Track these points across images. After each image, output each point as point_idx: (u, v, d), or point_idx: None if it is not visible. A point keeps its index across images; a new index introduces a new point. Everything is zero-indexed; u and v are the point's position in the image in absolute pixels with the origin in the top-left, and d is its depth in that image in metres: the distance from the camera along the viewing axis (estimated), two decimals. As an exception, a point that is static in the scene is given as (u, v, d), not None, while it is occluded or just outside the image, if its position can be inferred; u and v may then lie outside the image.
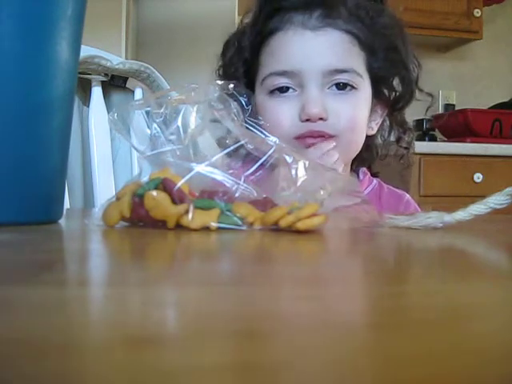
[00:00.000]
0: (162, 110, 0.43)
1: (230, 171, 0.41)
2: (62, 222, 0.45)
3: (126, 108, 0.45)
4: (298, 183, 0.42)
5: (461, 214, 0.41)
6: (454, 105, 2.82)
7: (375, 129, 0.83)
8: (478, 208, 0.41)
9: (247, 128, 0.45)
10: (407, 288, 0.21)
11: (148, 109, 0.44)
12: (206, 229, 0.37)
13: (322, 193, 0.41)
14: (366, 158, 0.88)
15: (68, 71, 0.42)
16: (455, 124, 2.50)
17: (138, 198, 0.38)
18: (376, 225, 0.43)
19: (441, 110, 2.80)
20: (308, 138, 0.74)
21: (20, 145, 0.40)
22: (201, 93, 0.44)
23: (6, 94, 0.39)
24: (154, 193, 0.38)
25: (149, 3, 2.36)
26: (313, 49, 0.75)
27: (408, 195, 0.89)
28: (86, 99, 1.00)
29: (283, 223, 0.37)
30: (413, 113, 0.88)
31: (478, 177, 2.33)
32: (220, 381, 0.11)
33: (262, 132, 0.45)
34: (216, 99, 0.44)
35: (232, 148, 0.44)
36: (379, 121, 0.84)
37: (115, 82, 1.02)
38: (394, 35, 0.79)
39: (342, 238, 0.40)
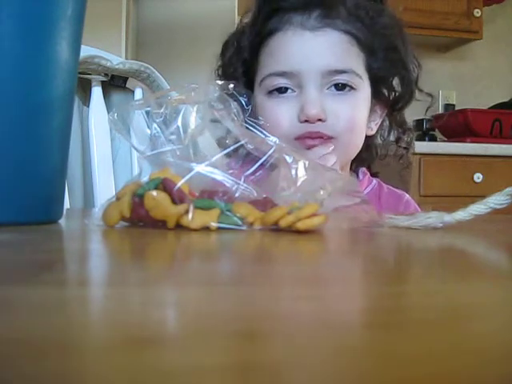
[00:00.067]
0: (161, 110, 0.43)
1: (230, 171, 0.41)
2: (62, 222, 0.45)
3: (126, 108, 0.45)
4: (298, 183, 0.42)
5: (461, 214, 0.41)
6: (453, 105, 2.82)
7: (374, 129, 0.83)
8: (478, 208, 0.41)
9: (247, 128, 0.45)
10: (407, 288, 0.21)
11: (148, 109, 0.44)
12: (206, 229, 0.37)
13: (321, 193, 0.41)
14: (366, 158, 0.88)
15: (68, 71, 0.42)
16: (455, 124, 2.50)
17: (138, 197, 0.38)
18: (376, 225, 0.43)
19: (441, 110, 2.80)
20: (307, 139, 0.74)
21: (20, 145, 0.40)
22: (201, 93, 0.44)
23: (6, 94, 0.39)
24: (154, 193, 0.38)
25: (149, 3, 2.36)
26: (312, 49, 0.75)
27: (408, 195, 0.89)
28: (86, 99, 1.00)
29: (283, 223, 0.37)
30: (413, 113, 0.88)
31: (478, 177, 2.33)
32: (220, 381, 0.11)
33: (261, 132, 0.45)
34: (216, 99, 0.44)
35: (232, 148, 0.44)
36: (378, 121, 0.84)
37: (115, 82, 1.02)
38: (393, 35, 0.79)
39: (341, 238, 0.40)
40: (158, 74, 1.01)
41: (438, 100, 2.77)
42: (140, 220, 0.39)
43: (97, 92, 0.98)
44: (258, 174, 0.44)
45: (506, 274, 0.25)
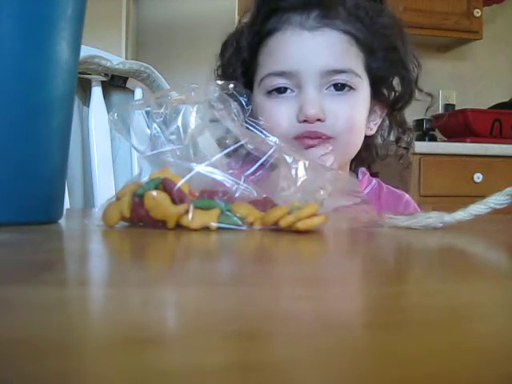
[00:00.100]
0: (162, 110, 0.43)
1: (230, 171, 0.41)
2: (62, 222, 0.45)
3: (126, 108, 0.45)
4: (298, 183, 0.42)
5: (461, 214, 0.41)
6: (454, 105, 2.82)
7: (374, 129, 0.83)
8: (478, 208, 0.41)
9: (247, 128, 0.45)
10: (407, 288, 0.21)
11: (148, 109, 0.44)
12: (206, 229, 0.37)
13: (321, 193, 0.41)
14: (366, 158, 0.88)
15: (68, 71, 0.42)
16: (455, 124, 2.50)
17: (138, 197, 0.38)
18: (376, 225, 0.43)
19: (441, 110, 2.80)
20: (305, 138, 0.74)
21: (20, 145, 0.40)
22: (201, 93, 0.44)
23: (6, 94, 0.39)
24: (154, 193, 0.38)
25: (149, 3, 2.36)
26: (310, 49, 0.75)
27: (407, 195, 0.89)
28: (86, 99, 1.00)
29: (283, 223, 0.37)
30: (413, 113, 0.88)
31: (477, 177, 2.33)
32: (220, 381, 0.11)
33: (261, 132, 0.45)
34: (216, 99, 0.44)
35: (232, 148, 0.44)
36: (378, 121, 0.84)
37: (115, 82, 1.02)
38: (393, 35, 0.78)
39: (341, 238, 0.40)
40: (158, 74, 1.01)
41: (438, 100, 2.77)
42: (140, 220, 0.39)
43: (97, 92, 0.98)
44: (257, 173, 0.44)
45: (506, 274, 0.25)
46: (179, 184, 0.38)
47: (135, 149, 0.45)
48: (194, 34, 2.28)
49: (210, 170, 0.40)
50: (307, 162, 0.42)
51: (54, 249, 0.32)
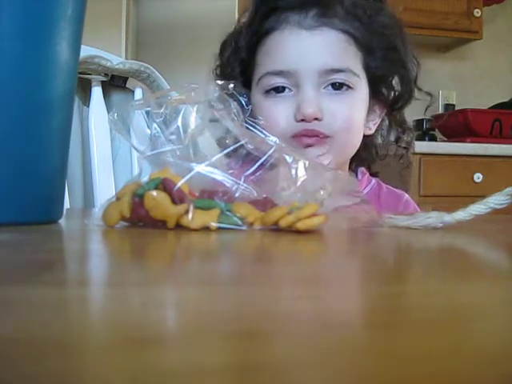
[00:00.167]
0: (161, 110, 0.43)
1: (230, 171, 0.41)
2: (62, 222, 0.45)
3: (126, 108, 0.45)
4: (298, 183, 0.42)
5: (461, 214, 0.41)
6: (454, 105, 2.82)
7: (373, 129, 0.83)
8: (477, 208, 0.41)
9: (247, 128, 0.45)
10: (407, 288, 0.21)
11: (148, 109, 0.44)
12: (206, 229, 0.37)
13: (321, 193, 0.41)
14: (365, 158, 0.87)
15: (68, 71, 0.42)
16: (455, 124, 2.50)
17: (138, 197, 0.38)
18: (376, 225, 0.43)
19: (441, 110, 2.80)
20: (303, 137, 0.74)
21: (20, 145, 0.40)
22: (201, 93, 0.44)
23: (6, 93, 0.39)
24: (154, 193, 0.38)
25: (149, 3, 2.36)
26: (308, 48, 0.75)
27: (407, 195, 0.89)
28: (86, 99, 1.00)
29: (283, 223, 0.37)
30: (413, 113, 0.88)
31: (477, 177, 2.33)
32: (220, 381, 0.11)
33: (261, 132, 0.45)
34: (216, 99, 0.44)
35: (232, 148, 0.44)
36: (377, 121, 0.84)
37: (115, 82, 1.02)
38: (392, 34, 0.78)
39: (341, 238, 0.40)
40: (158, 74, 1.01)
41: (438, 100, 2.77)
42: (140, 220, 0.39)
43: (97, 92, 0.98)
44: (257, 173, 0.44)
45: (505, 274, 0.25)
46: (179, 184, 0.38)
47: (135, 149, 0.45)
48: (194, 33, 2.28)
49: (210, 170, 0.40)
50: (307, 162, 0.42)
51: (54, 249, 0.32)
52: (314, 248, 0.34)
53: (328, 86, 0.75)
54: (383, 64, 0.78)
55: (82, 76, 0.94)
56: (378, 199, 0.85)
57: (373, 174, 0.90)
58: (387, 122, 0.86)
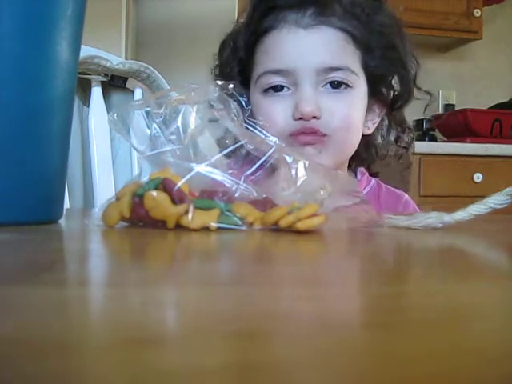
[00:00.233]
0: (161, 110, 0.43)
1: (230, 171, 0.41)
2: (62, 222, 0.45)
3: (125, 108, 0.45)
4: (298, 183, 0.42)
5: (461, 214, 0.41)
6: (453, 105, 2.82)
7: (372, 128, 0.83)
8: (477, 208, 0.41)
9: (247, 128, 0.45)
10: (407, 288, 0.21)
11: (148, 109, 0.44)
12: (206, 229, 0.37)
13: (321, 193, 0.41)
14: (365, 158, 0.87)
15: (68, 71, 0.42)
16: (455, 124, 2.50)
17: (138, 198, 0.38)
18: (375, 225, 0.43)
19: (441, 110, 2.80)
20: (301, 135, 0.74)
21: (20, 145, 0.40)
22: (201, 93, 0.44)
23: (6, 94, 0.39)
24: (154, 193, 0.38)
25: (149, 3, 2.36)
26: (306, 47, 0.75)
27: (406, 195, 0.89)
28: (86, 99, 1.00)
29: (283, 223, 0.37)
30: (413, 113, 0.87)
31: (477, 177, 2.33)
32: (220, 381, 0.11)
33: (261, 132, 0.45)
34: (216, 99, 0.44)
35: (232, 148, 0.44)
36: (377, 120, 0.83)
37: (115, 82, 1.02)
38: (391, 33, 0.78)
39: (341, 238, 0.40)
40: (158, 74, 1.01)
41: (438, 100, 2.77)
42: (140, 220, 0.39)
43: (97, 92, 0.98)
44: (257, 174, 0.44)
45: (505, 274, 0.25)
46: (179, 184, 0.38)
47: (135, 149, 0.45)
48: (194, 34, 2.28)
49: (210, 170, 0.40)
50: (307, 162, 0.42)
51: (54, 249, 0.32)
52: (314, 248, 0.34)
53: (326, 84, 0.75)
54: (382, 63, 0.78)
55: (81, 76, 0.94)
56: (378, 199, 0.85)
57: (372, 174, 0.90)
58: (387, 121, 0.86)
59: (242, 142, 0.44)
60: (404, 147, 0.88)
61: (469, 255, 0.33)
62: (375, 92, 0.80)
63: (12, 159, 0.39)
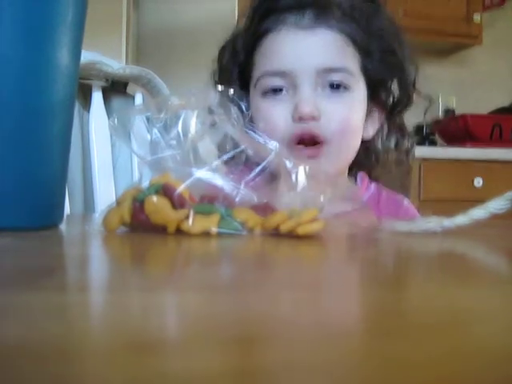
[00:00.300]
0: (162, 115, 0.43)
1: (231, 176, 0.41)
2: (63, 227, 0.45)
3: (126, 113, 0.45)
4: (298, 188, 0.42)
5: (461, 219, 0.41)
6: (453, 110, 2.82)
7: (372, 133, 0.83)
8: (478, 213, 0.41)
9: (247, 133, 0.45)
10: (407, 292, 0.21)
11: (148, 114, 0.44)
12: (207, 234, 0.37)
13: (321, 198, 0.41)
14: (365, 164, 0.87)
15: (68, 76, 0.42)
16: (455, 129, 2.50)
17: (139, 203, 0.38)
18: (375, 230, 0.43)
19: (441, 115, 2.80)
20: (303, 148, 0.73)
21: (20, 150, 0.40)
22: (201, 98, 0.44)
23: (7, 99, 0.39)
24: (155, 198, 0.38)
25: (149, 9, 2.36)
26: (305, 48, 0.75)
27: (407, 200, 0.89)
28: (87, 104, 1.00)
29: (283, 228, 0.37)
30: (413, 117, 0.87)
31: (478, 181, 2.33)
32: (220, 386, 0.11)
33: (262, 137, 0.45)
34: (216, 104, 0.44)
35: (232, 153, 0.44)
36: (376, 125, 0.83)
37: (115, 88, 1.02)
38: (390, 37, 0.78)
39: (341, 244, 0.40)
40: (159, 80, 1.01)
41: (438, 105, 2.77)
42: (140, 225, 0.39)
43: (97, 97, 0.98)
44: (258, 179, 0.44)
45: (505, 279, 0.25)
46: (179, 189, 0.38)
47: (135, 154, 0.45)
48: (195, 39, 2.29)
49: (211, 175, 0.40)
50: (307, 168, 0.43)
51: (55, 254, 0.32)
52: (314, 253, 0.34)
53: (325, 86, 0.75)
54: (381, 67, 0.78)
55: (82, 81, 0.94)
56: (378, 204, 0.85)
57: (372, 179, 0.90)
58: (387, 127, 0.85)
59: (243, 147, 0.44)
60: (404, 152, 0.87)
61: (469, 260, 0.33)
62: (374, 96, 0.80)
63: (12, 164, 0.39)
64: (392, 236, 0.41)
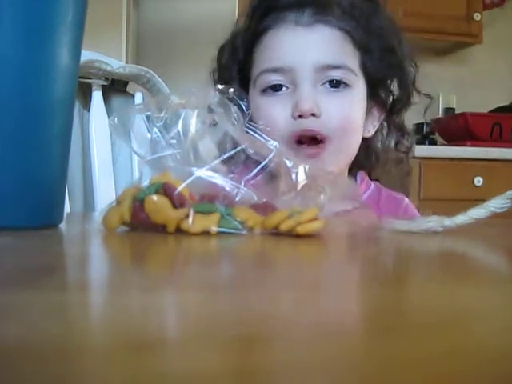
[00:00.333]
0: (162, 115, 0.43)
1: (231, 175, 0.41)
2: (63, 226, 0.45)
3: (126, 112, 0.45)
4: (299, 187, 0.42)
5: (461, 218, 0.41)
6: (453, 108, 2.82)
7: (372, 131, 0.83)
8: (478, 212, 0.41)
9: (247, 132, 0.45)
10: (408, 292, 0.21)
11: (148, 113, 0.44)
12: (207, 233, 0.37)
13: (322, 197, 0.41)
14: (365, 164, 0.87)
15: (68, 75, 0.42)
16: (455, 128, 2.50)
17: (139, 202, 0.38)
18: (376, 229, 0.43)
19: (441, 114, 2.80)
20: (301, 141, 0.73)
21: (20, 149, 0.40)
22: (201, 97, 0.44)
23: (7, 98, 0.39)
24: (155, 197, 0.38)
25: (149, 8, 2.36)
26: (305, 44, 0.75)
27: (407, 199, 0.89)
28: (87, 103, 1.00)
29: (283, 227, 0.37)
30: (413, 116, 0.87)
31: (478, 180, 2.33)
32: (220, 385, 0.11)
33: (262, 136, 0.45)
34: (216, 103, 0.44)
35: (232, 152, 0.44)
36: (376, 124, 0.83)
37: (115, 87, 1.02)
38: (389, 36, 0.78)
39: (342, 243, 0.40)
40: (159, 79, 1.01)
41: (438, 104, 2.77)
42: (140, 224, 0.39)
43: (97, 96, 0.98)
44: (258, 178, 0.44)
45: (505, 278, 0.25)
46: (180, 188, 0.38)
47: (135, 153, 0.45)
48: (195, 38, 2.29)
49: (211, 174, 0.40)
50: (307, 167, 0.43)
51: (55, 253, 0.32)
52: (314, 252, 0.34)
53: (325, 83, 0.75)
54: (380, 65, 0.78)
55: (82, 80, 0.94)
56: (378, 203, 0.85)
57: (371, 178, 0.90)
58: (386, 126, 0.85)
59: (243, 147, 0.44)
60: (404, 152, 0.87)
61: (469, 259, 0.33)
62: (374, 95, 0.80)
63: (12, 163, 0.39)
64: (392, 235, 0.41)
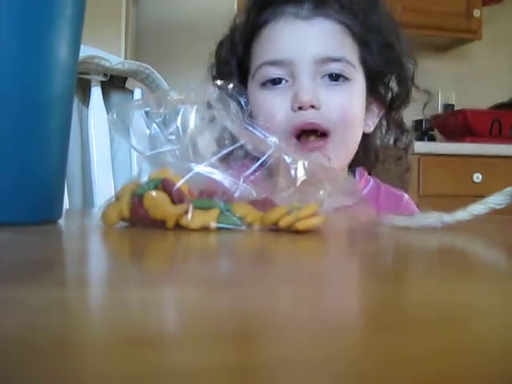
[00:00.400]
0: (161, 110, 0.43)
1: (230, 171, 0.41)
2: (62, 222, 0.45)
3: (125, 108, 0.45)
4: (298, 183, 0.42)
5: (460, 214, 0.41)
6: (453, 105, 2.82)
7: (372, 127, 0.83)
8: (477, 208, 0.41)
9: (246, 128, 0.45)
10: (407, 288, 0.21)
11: (147, 109, 0.44)
12: (206, 229, 0.37)
13: (321, 193, 0.41)
14: (365, 162, 0.87)
15: (67, 71, 0.42)
16: (454, 124, 2.50)
17: (138, 197, 0.38)
18: (375, 225, 0.43)
19: (440, 111, 2.80)
20: (301, 135, 0.73)
21: (19, 145, 0.40)
22: (200, 93, 0.44)
23: (5, 94, 0.39)
24: (154, 193, 0.38)
25: (148, 3, 2.36)
26: (304, 37, 0.75)
27: (407, 196, 0.89)
28: (86, 99, 1.00)
29: (282, 223, 0.37)
30: (412, 113, 0.87)
31: (477, 177, 2.33)
32: (219, 381, 0.11)
33: (261, 132, 0.45)
34: (215, 99, 0.44)
35: (231, 148, 0.44)
36: (376, 120, 0.83)
37: (114, 82, 1.02)
38: (388, 32, 0.78)
39: (341, 238, 0.40)
40: (158, 74, 1.01)
41: (437, 100, 2.77)
42: (139, 220, 0.39)
43: (96, 92, 0.98)
44: (257, 174, 0.44)
45: (504, 274, 0.25)
46: (179, 184, 0.38)
47: (134, 149, 0.45)
48: (194, 34, 2.28)
49: (210, 170, 0.40)
50: (306, 162, 0.42)
51: (54, 249, 0.32)
52: (314, 248, 0.34)
53: (325, 76, 0.75)
54: (379, 59, 0.78)
55: (81, 76, 0.94)
56: (377, 199, 0.85)
57: (370, 174, 0.90)
58: (385, 123, 0.85)
59: (242, 142, 0.44)
60: (403, 148, 0.87)
61: (468, 255, 0.33)
62: (373, 91, 0.80)
63: (11, 159, 0.39)
64: (392, 231, 0.41)
